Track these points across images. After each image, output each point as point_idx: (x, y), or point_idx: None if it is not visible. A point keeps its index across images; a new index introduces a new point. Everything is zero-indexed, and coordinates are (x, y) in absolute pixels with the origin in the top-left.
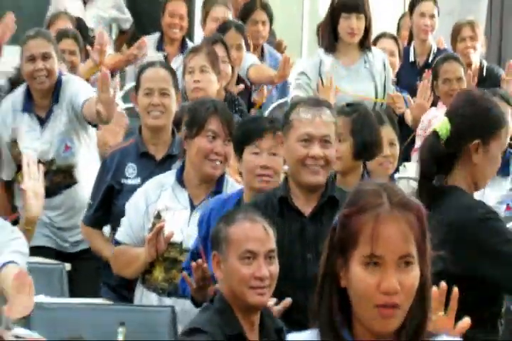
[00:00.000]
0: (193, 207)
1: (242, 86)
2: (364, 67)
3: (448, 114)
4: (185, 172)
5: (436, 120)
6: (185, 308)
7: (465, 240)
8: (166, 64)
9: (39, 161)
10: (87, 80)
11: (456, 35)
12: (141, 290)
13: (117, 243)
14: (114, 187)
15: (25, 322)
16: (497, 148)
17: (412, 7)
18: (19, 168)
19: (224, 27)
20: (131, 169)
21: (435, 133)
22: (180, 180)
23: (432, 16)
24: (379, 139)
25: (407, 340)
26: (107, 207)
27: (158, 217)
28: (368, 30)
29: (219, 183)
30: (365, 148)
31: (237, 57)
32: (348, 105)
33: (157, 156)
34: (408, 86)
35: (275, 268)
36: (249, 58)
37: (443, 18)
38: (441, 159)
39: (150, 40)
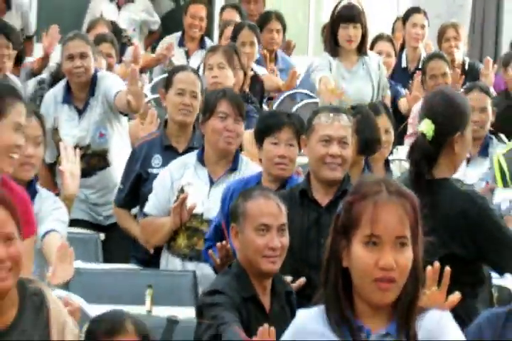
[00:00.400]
0: (212, 183)
1: (252, 72)
2: (362, 69)
3: (428, 115)
4: (205, 153)
5: None
6: (205, 272)
7: (470, 228)
8: (195, 70)
9: (77, 146)
10: None
11: (441, 35)
12: (166, 256)
13: (145, 215)
14: (142, 176)
15: (65, 285)
16: (470, 133)
17: (405, 18)
18: (60, 152)
19: (238, 27)
20: (157, 160)
21: (422, 135)
22: (201, 159)
23: (423, 27)
24: (379, 137)
25: (401, 314)
26: (136, 192)
27: (181, 191)
28: (364, 36)
29: (235, 161)
30: (367, 145)
31: (250, 51)
32: (352, 108)
33: (180, 149)
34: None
35: (286, 239)
36: (260, 70)
37: (431, 20)
38: (429, 156)
39: (173, 37)
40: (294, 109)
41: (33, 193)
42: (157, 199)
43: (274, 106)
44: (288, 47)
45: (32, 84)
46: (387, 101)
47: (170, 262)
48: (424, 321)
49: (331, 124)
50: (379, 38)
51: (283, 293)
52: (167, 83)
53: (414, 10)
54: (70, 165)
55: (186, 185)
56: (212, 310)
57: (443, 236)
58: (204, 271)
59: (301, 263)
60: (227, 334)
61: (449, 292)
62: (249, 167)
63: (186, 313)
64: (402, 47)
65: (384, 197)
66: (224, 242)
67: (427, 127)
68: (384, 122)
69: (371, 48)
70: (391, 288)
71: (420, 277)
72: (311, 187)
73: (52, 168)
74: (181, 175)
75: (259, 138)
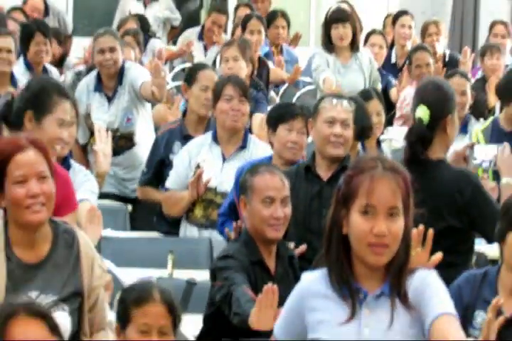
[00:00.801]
0: (224, 159)
1: (259, 55)
2: (355, 64)
3: (423, 102)
4: (217, 133)
5: (409, 96)
6: (218, 238)
7: (465, 205)
8: (214, 67)
9: (106, 129)
10: None
11: (424, 31)
12: (185, 225)
13: (166, 189)
14: (165, 161)
15: (96, 250)
16: (457, 115)
17: (395, 19)
18: (92, 134)
19: (247, 17)
20: (177, 147)
21: (419, 120)
22: (215, 138)
23: (410, 27)
24: (371, 124)
25: (393, 275)
26: (158, 174)
27: (198, 167)
28: (355, 34)
29: (244, 140)
30: (363, 132)
31: (257, 39)
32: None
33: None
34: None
35: (288, 210)
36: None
37: (417, 16)
38: (424, 138)
39: (193, 32)
40: (298, 94)
41: (67, 167)
42: (177, 175)
43: (280, 92)
44: (295, 39)
45: (70, 75)
46: None
47: (188, 230)
48: (413, 280)
49: (334, 108)
50: (372, 32)
51: (286, 257)
52: (190, 79)
53: (403, 12)
54: (103, 145)
55: (202, 161)
56: (224, 273)
57: (442, 211)
58: (218, 237)
59: (305, 231)
60: (236, 293)
61: (446, 261)
62: (257, 145)
63: (203, 276)
64: (392, 44)
65: (379, 171)
66: (239, 222)
67: (423, 113)
68: (375, 105)
69: (365, 41)
70: (384, 252)
71: (410, 243)
72: (315, 163)
73: (84, 148)
74: (198, 153)
75: (274, 124)
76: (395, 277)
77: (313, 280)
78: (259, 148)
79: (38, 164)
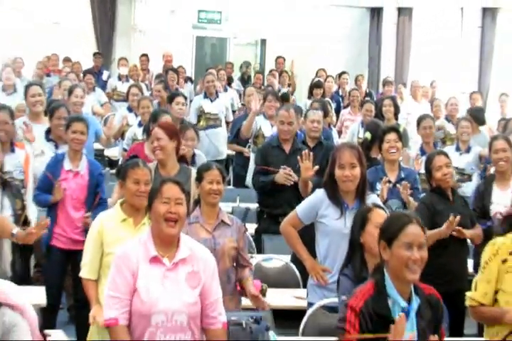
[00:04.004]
0: (272, 126)
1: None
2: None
3: (368, 130)
4: (266, 115)
5: (346, 113)
6: None
7: None
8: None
9: (210, 113)
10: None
11: (356, 79)
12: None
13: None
14: (240, 129)
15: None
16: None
17: (340, 75)
18: (199, 118)
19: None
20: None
21: (366, 139)
22: (265, 117)
23: (347, 80)
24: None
25: (359, 196)
26: (238, 137)
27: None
28: (324, 93)
29: None
30: None
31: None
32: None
33: (286, 149)
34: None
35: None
36: None
37: (351, 72)
38: (369, 147)
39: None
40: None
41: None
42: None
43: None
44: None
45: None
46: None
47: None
48: (368, 200)
49: (309, 114)
50: (342, 73)
51: (298, 148)
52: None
53: (343, 72)
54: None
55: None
56: (255, 157)
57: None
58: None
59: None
60: (255, 174)
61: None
62: None
63: (254, 206)
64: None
65: (344, 147)
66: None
67: (368, 135)
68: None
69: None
70: (350, 184)
71: (366, 179)
72: (307, 140)
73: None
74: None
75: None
76: (360, 197)
77: (323, 193)
78: None
79: (160, 138)
